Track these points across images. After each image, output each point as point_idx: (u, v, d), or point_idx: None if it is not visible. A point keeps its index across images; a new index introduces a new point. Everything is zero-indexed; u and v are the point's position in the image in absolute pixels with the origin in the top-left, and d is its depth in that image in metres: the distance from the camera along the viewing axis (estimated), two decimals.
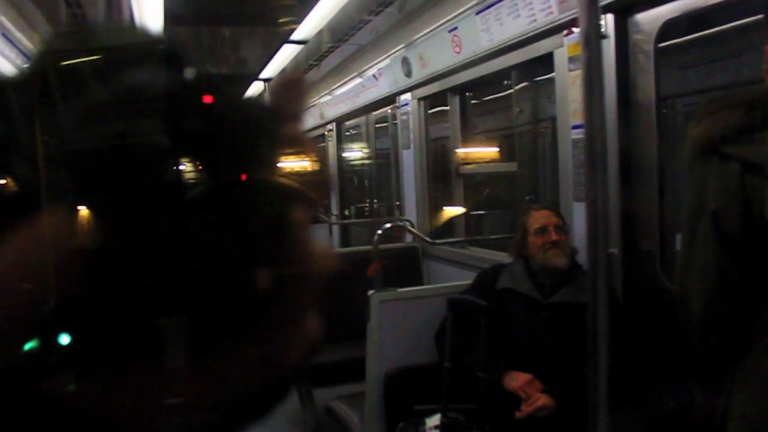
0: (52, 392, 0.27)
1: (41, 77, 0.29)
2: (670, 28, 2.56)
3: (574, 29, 2.79)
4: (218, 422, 0.31)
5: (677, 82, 2.79)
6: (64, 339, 0.27)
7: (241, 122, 0.31)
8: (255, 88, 7.29)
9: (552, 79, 3.20)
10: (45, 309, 0.26)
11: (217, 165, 0.29)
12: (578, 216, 2.91)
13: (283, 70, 6.42)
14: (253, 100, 0.35)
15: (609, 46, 2.66)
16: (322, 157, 0.35)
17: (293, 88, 0.35)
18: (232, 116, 0.31)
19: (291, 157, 0.32)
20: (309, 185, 0.32)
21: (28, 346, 0.27)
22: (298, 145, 0.32)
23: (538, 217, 2.71)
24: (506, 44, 3.32)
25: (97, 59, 0.30)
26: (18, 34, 4.14)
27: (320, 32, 4.97)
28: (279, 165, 0.31)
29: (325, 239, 6.08)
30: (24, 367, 0.27)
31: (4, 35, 3.94)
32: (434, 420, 2.51)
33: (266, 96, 0.38)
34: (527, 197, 3.79)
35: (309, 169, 0.32)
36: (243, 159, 0.29)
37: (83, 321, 0.27)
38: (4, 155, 0.29)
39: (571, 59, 2.91)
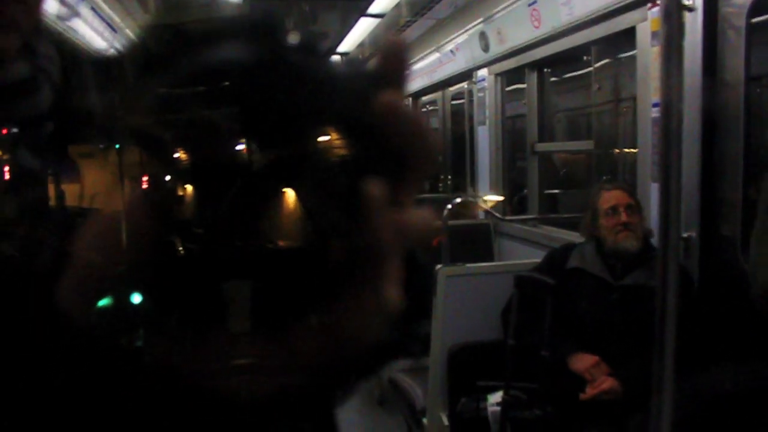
0: (124, 347, 0.29)
1: (141, 52, 0.31)
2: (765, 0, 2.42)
3: (659, 1, 2.67)
4: (291, 386, 0.31)
5: None
6: (136, 298, 0.28)
7: (333, 85, 0.31)
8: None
9: (634, 57, 3.08)
10: (119, 270, 0.28)
11: (300, 130, 0.29)
12: (655, 197, 2.82)
13: (361, 44, 6.43)
14: (350, 63, 0.34)
15: (696, 20, 2.53)
16: (428, 130, 0.32)
17: (396, 49, 0.33)
18: (324, 80, 0.31)
19: (390, 126, 0.30)
20: (408, 156, 0.31)
21: (101, 303, 0.28)
22: (399, 112, 0.31)
23: (609, 198, 2.63)
24: (587, 18, 3.22)
25: (185, 32, 0.31)
26: (106, 8, 4.30)
27: (398, 5, 4.94)
28: (376, 134, 0.30)
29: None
30: (97, 323, 0.29)
31: (93, 9, 4.09)
32: (496, 397, 2.51)
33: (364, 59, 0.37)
34: (604, 177, 3.69)
35: (410, 139, 0.31)
36: (329, 125, 0.29)
37: (154, 282, 0.28)
38: (92, 127, 0.31)
39: (654, 34, 2.79)
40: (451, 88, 6.19)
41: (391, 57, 0.33)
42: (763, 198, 1.55)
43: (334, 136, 0.29)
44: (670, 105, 1.53)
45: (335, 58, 0.34)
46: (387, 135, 0.30)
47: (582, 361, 2.45)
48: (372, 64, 0.33)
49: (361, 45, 6.46)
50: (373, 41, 6.25)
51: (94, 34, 4.23)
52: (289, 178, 0.28)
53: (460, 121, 6.13)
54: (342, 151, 0.29)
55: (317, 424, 0.40)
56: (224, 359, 0.29)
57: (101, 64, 0.33)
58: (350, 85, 0.31)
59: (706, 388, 2.03)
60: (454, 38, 5.04)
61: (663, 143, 1.53)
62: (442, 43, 5.32)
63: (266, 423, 0.33)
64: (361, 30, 5.85)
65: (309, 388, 0.32)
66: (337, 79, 0.31)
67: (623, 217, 2.57)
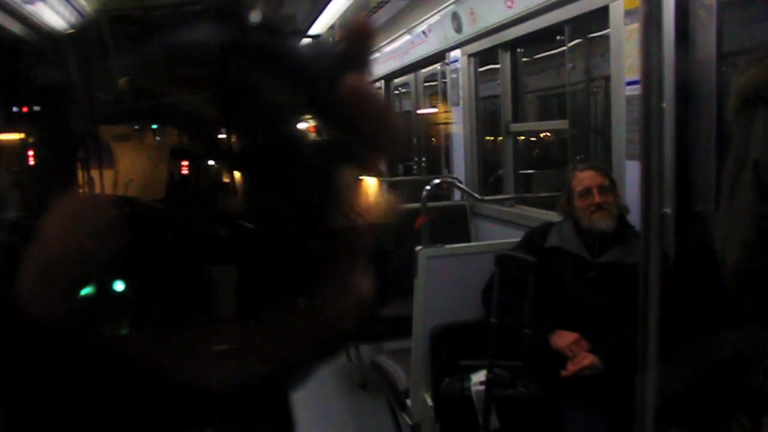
0: (108, 335, 0.28)
1: (96, 32, 0.30)
2: None
3: None
4: (266, 370, 0.31)
5: (739, 38, 2.68)
6: (119, 286, 0.28)
7: (301, 68, 0.30)
8: None
9: (606, 37, 3.11)
10: (101, 258, 0.27)
11: (271, 115, 0.29)
12: (630, 175, 2.86)
13: (332, 27, 6.37)
14: (316, 45, 0.33)
15: None
16: (391, 110, 0.32)
17: (362, 31, 0.32)
18: (291, 62, 0.30)
19: (355, 109, 0.30)
20: (373, 139, 0.31)
21: (84, 291, 0.28)
22: (364, 95, 0.31)
23: (582, 179, 2.66)
24: None
25: (150, 16, 0.30)
26: None
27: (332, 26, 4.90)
28: (342, 116, 0.30)
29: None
30: (81, 311, 0.28)
31: None
32: (479, 376, 2.53)
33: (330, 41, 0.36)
34: (578, 157, 3.72)
35: (375, 121, 0.31)
36: (299, 109, 0.29)
37: (137, 270, 0.28)
38: (61, 107, 0.30)
39: (627, 13, 2.81)
40: (424, 70, 6.18)
41: (356, 38, 0.32)
42: (726, 179, 1.55)
43: (301, 119, 0.29)
44: (650, 82, 1.54)
45: (306, 41, 0.34)
46: (352, 117, 0.30)
47: (562, 338, 2.48)
48: (338, 46, 0.32)
49: (332, 28, 6.40)
50: (343, 24, 6.19)
51: (58, 18, 4.13)
52: (262, 163, 0.28)
53: (434, 103, 6.12)
54: (310, 135, 0.29)
55: (276, 406, 0.40)
56: (205, 345, 0.29)
57: (69, 41, 0.32)
58: (315, 67, 0.31)
59: (690, 362, 2.06)
60: (426, 19, 5.02)
61: (644, 120, 1.55)
62: (414, 24, 5.30)
63: (230, 407, 0.33)
64: (333, 12, 5.79)
65: (279, 373, 0.33)
66: (302, 61, 0.31)
67: (596, 198, 2.60)
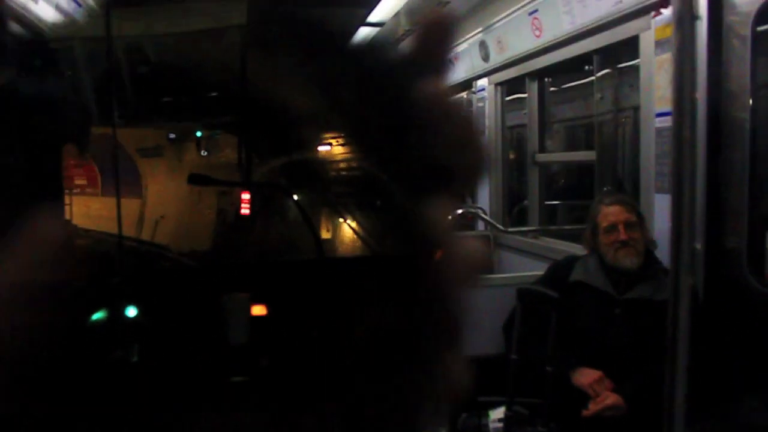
0: (118, 362, 0.25)
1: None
2: None
3: (663, 10, 2.65)
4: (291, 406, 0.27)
5: None
6: (131, 311, 0.24)
7: (366, 75, 0.24)
8: None
9: (635, 67, 3.05)
10: (113, 282, 0.24)
11: (308, 130, 0.23)
12: (659, 208, 2.78)
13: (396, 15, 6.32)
14: (379, 42, 0.26)
15: (701, 29, 2.49)
16: (474, 124, 0.25)
17: (439, 29, 0.26)
18: (353, 67, 0.24)
19: (433, 126, 0.24)
20: (459, 161, 0.24)
21: (95, 316, 0.25)
22: (442, 105, 0.24)
23: (608, 214, 2.58)
24: (589, 27, 3.20)
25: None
26: None
27: (397, 14, 4.92)
28: (415, 134, 0.24)
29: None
30: (91, 337, 0.25)
31: None
32: (498, 413, 2.47)
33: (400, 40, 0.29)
34: (605, 188, 3.65)
35: (455, 140, 0.24)
36: (362, 125, 0.24)
37: (149, 295, 0.24)
38: (67, 123, 0.23)
39: (658, 43, 2.76)
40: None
41: (434, 34, 0.26)
42: None
43: (358, 135, 0.23)
44: (682, 115, 1.49)
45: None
46: (429, 135, 0.23)
47: (585, 376, 2.41)
48: (406, 45, 0.26)
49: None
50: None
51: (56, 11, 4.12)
52: (295, 187, 0.23)
53: None
54: (369, 155, 0.23)
55: None
56: (221, 376, 0.25)
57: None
58: (380, 71, 0.25)
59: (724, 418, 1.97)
60: (453, 47, 5.02)
61: (675, 154, 1.49)
62: None
63: None
64: (361, 39, 5.83)
65: None
66: (361, 62, 0.25)
67: (622, 235, 2.53)
